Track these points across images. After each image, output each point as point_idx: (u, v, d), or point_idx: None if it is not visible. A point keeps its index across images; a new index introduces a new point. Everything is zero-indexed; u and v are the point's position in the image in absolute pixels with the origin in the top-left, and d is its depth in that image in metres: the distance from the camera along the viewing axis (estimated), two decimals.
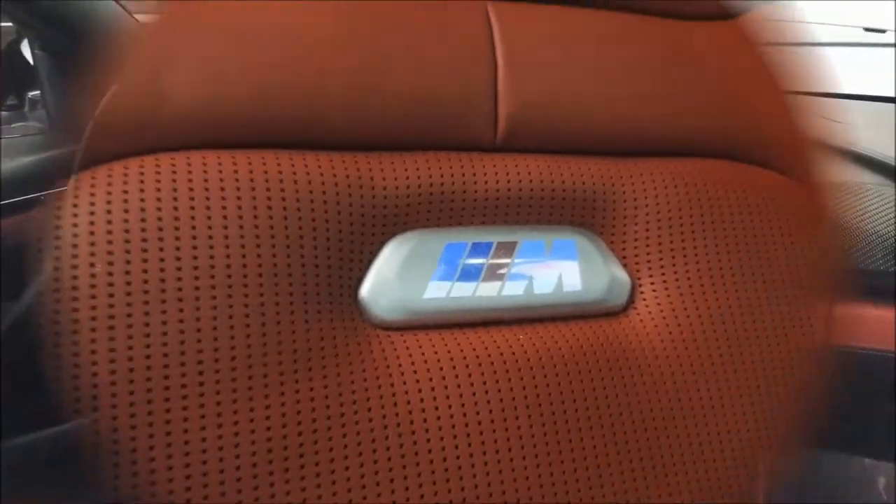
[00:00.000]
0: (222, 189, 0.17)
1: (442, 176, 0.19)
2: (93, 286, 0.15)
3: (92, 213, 0.16)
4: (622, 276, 0.21)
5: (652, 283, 0.21)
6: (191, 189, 0.17)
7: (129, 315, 0.16)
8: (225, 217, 0.17)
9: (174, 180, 0.17)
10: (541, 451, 0.19)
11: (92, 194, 0.16)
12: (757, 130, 0.23)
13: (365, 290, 0.19)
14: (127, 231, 0.16)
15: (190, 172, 0.17)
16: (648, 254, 0.21)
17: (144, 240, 0.16)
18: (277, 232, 0.17)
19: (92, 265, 0.15)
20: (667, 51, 0.23)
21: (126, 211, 0.16)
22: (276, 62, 0.18)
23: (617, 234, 0.21)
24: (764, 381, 0.22)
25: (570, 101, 0.21)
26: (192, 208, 0.16)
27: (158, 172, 0.17)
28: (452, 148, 0.20)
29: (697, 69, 0.23)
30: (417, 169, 0.19)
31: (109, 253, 0.16)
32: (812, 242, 0.23)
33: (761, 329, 0.22)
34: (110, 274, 0.16)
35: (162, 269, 0.16)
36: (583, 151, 0.21)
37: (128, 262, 0.16)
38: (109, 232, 0.16)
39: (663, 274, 0.21)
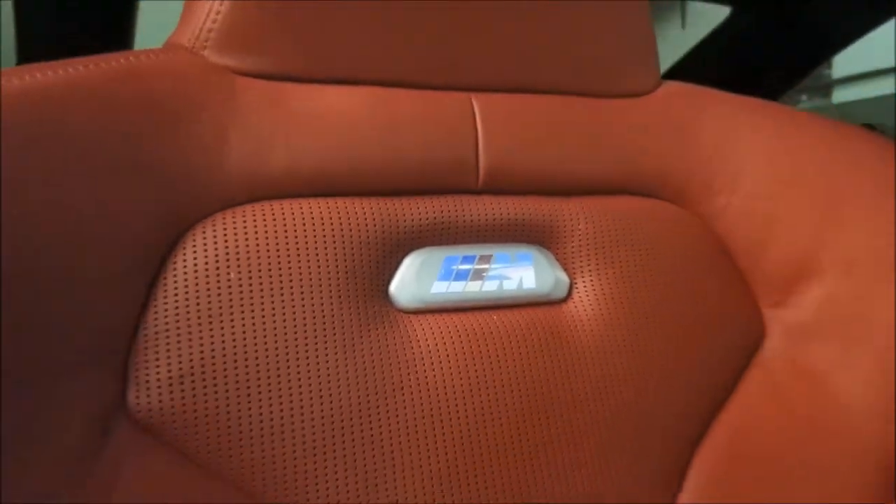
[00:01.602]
0: (311, 224, 0.27)
1: (443, 211, 0.30)
2: (224, 290, 0.26)
3: (225, 240, 0.26)
4: (563, 277, 0.32)
5: (583, 282, 0.32)
6: (285, 225, 0.27)
7: (240, 310, 0.26)
8: (310, 241, 0.27)
9: (275, 220, 0.27)
10: (510, 397, 0.29)
11: (224, 228, 0.26)
12: (662, 176, 0.34)
13: (393, 288, 0.29)
14: (248, 249, 0.26)
15: (284, 215, 0.27)
16: (581, 261, 0.32)
17: (258, 255, 0.26)
18: (341, 252, 0.27)
19: (228, 274, 0.26)
20: (599, 120, 0.33)
21: (247, 239, 0.26)
22: (336, 136, 0.28)
23: (560, 248, 0.32)
24: (682, 382, 0.33)
25: (530, 160, 0.31)
26: (288, 237, 0.27)
27: (264, 215, 0.27)
28: (449, 192, 0.30)
29: (620, 133, 0.33)
30: (427, 207, 0.30)
31: (238, 260, 0.26)
32: (701, 255, 0.34)
33: (675, 335, 0.33)
34: (239, 276, 0.26)
35: (270, 276, 0.26)
36: (538, 193, 0.32)
37: (249, 271, 0.26)
38: (236, 251, 0.26)
39: (591, 275, 0.32)
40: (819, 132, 0.35)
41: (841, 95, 2.78)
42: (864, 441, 0.32)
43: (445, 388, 0.28)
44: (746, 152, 0.34)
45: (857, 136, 0.35)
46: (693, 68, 1.21)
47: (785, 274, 0.34)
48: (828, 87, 2.77)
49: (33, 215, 0.21)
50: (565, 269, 0.32)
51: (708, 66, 1.20)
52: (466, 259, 0.30)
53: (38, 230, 0.22)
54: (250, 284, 0.26)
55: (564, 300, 0.32)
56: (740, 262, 0.34)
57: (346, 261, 0.27)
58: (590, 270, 0.32)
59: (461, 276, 0.30)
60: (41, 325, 0.21)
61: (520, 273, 0.31)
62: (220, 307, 0.25)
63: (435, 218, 0.30)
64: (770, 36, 1.13)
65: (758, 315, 0.34)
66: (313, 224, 0.27)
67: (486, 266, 0.31)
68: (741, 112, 0.35)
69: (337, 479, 0.25)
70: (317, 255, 0.27)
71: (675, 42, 1.20)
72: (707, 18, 1.14)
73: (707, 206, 0.34)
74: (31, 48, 0.74)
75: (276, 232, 0.26)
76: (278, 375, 0.25)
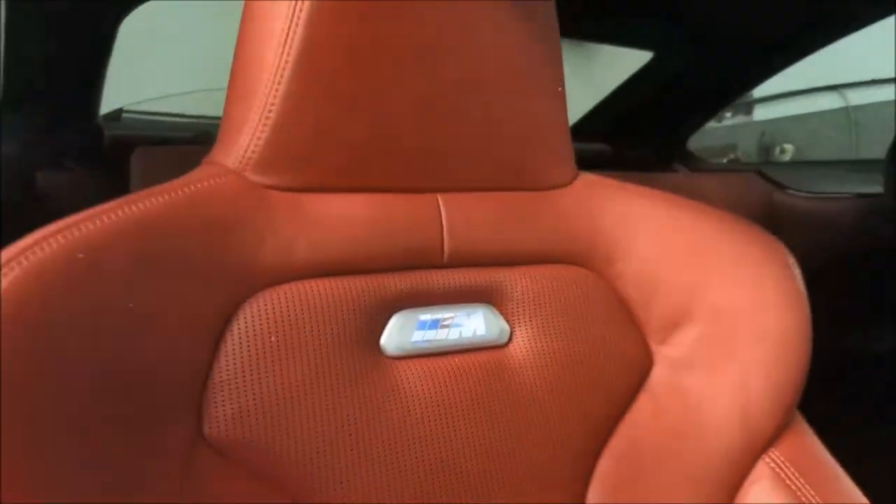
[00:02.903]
0: (324, 298, 0.38)
1: (418, 282, 0.41)
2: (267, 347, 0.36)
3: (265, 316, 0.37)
4: (506, 327, 0.44)
5: (520, 330, 0.44)
6: (306, 300, 0.38)
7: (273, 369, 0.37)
8: (324, 311, 0.38)
9: (299, 297, 0.38)
10: (469, 417, 0.41)
11: (264, 304, 0.37)
12: (578, 248, 0.47)
13: (383, 341, 0.40)
14: (281, 319, 0.37)
15: (305, 293, 0.38)
16: (518, 315, 0.44)
17: (288, 323, 0.37)
18: (346, 317, 0.38)
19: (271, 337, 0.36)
20: (532, 208, 0.45)
21: (280, 312, 0.37)
22: (340, 232, 0.39)
23: (503, 305, 0.44)
24: (589, 405, 0.44)
25: (481, 241, 0.43)
26: (309, 309, 0.38)
27: (291, 294, 0.38)
28: (422, 268, 0.42)
29: (548, 217, 0.46)
30: (406, 280, 0.41)
31: (276, 327, 0.37)
32: (605, 307, 0.47)
33: (584, 367, 0.45)
34: (276, 340, 0.37)
35: (297, 338, 0.37)
36: (487, 265, 0.44)
37: (286, 336, 0.37)
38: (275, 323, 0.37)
39: (526, 325, 0.44)
40: (692, 214, 0.48)
41: (760, 114, 3.03)
42: (723, 447, 0.45)
43: (423, 411, 0.40)
44: (637, 230, 0.47)
45: (720, 216, 0.48)
46: (620, 106, 1.36)
47: (667, 320, 0.47)
48: (749, 105, 3.01)
49: (148, 310, 0.32)
50: (507, 321, 0.44)
51: (632, 104, 1.36)
52: (436, 316, 0.42)
53: (150, 321, 0.32)
54: (285, 345, 0.37)
55: (506, 344, 0.44)
56: (634, 311, 0.47)
57: (349, 323, 0.39)
58: (525, 321, 0.44)
59: (432, 328, 0.42)
60: (154, 384, 0.32)
61: (474, 325, 0.43)
62: (265, 362, 0.36)
63: (412, 287, 0.41)
64: (689, 77, 1.30)
65: (647, 351, 0.47)
66: (326, 299, 0.38)
67: (449, 321, 0.42)
68: (635, 199, 0.48)
69: (354, 482, 0.37)
70: (329, 320, 0.38)
71: (602, 81, 1.35)
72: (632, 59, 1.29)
73: (609, 271, 0.47)
74: (20, 68, 0.81)
75: (299, 306, 0.38)
76: (308, 410, 0.36)
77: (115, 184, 0.89)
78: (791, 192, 1.09)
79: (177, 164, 0.72)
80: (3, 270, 0.29)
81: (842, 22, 1.10)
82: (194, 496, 0.32)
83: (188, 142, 0.86)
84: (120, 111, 1.17)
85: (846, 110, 2.95)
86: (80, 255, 0.31)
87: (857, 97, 2.91)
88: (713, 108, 1.40)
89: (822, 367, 0.55)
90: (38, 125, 0.83)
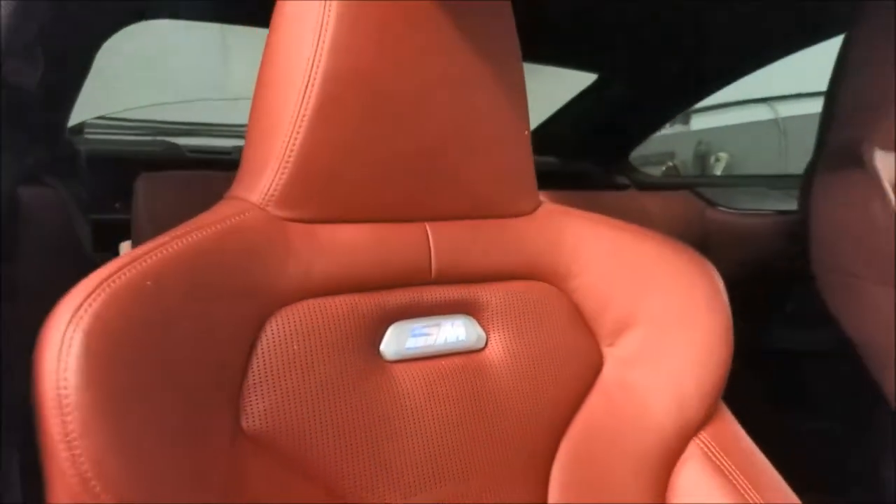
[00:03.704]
0: (334, 313, 0.46)
1: (410, 297, 0.50)
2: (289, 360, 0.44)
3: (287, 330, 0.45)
4: (483, 334, 0.53)
5: (494, 337, 0.53)
6: (321, 314, 0.46)
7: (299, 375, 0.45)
8: (335, 323, 0.46)
9: (315, 312, 0.46)
10: (453, 410, 0.50)
11: (288, 317, 0.45)
12: (541, 267, 0.56)
13: (382, 347, 0.48)
14: (302, 330, 0.45)
15: (319, 308, 0.46)
16: (493, 323, 0.53)
17: (308, 333, 0.45)
18: (352, 328, 0.47)
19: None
20: (504, 233, 0.54)
21: (301, 324, 0.45)
22: (347, 257, 0.48)
23: (480, 315, 0.53)
24: (552, 397, 0.53)
25: (462, 262, 0.52)
26: (323, 322, 0.46)
27: (309, 309, 0.46)
28: (413, 285, 0.50)
29: (517, 241, 0.55)
30: (401, 295, 0.49)
31: (298, 336, 0.45)
32: (564, 316, 0.56)
33: (548, 366, 0.54)
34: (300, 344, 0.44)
35: (315, 345, 0.45)
36: (467, 282, 0.53)
37: (306, 346, 0.45)
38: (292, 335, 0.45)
39: (499, 332, 0.53)
40: (635, 237, 0.58)
41: (697, 123, 3.22)
42: (662, 431, 0.55)
43: (416, 405, 0.48)
44: (590, 252, 0.57)
45: (657, 239, 0.58)
46: (567, 122, 1.48)
47: (615, 326, 0.57)
48: (687, 115, 3.20)
49: (198, 323, 0.40)
50: (483, 329, 0.53)
51: (580, 119, 1.47)
52: (425, 325, 0.51)
53: (200, 332, 0.40)
54: (306, 351, 0.45)
55: (483, 349, 0.53)
56: (588, 319, 0.57)
57: (356, 332, 0.47)
58: (498, 329, 0.53)
59: (423, 336, 0.50)
60: (202, 383, 0.40)
61: (456, 332, 0.52)
62: (290, 366, 0.44)
63: (406, 301, 0.50)
64: (631, 96, 1.42)
65: (599, 352, 0.57)
66: (337, 312, 0.47)
67: (436, 330, 0.51)
68: (588, 225, 0.58)
69: (363, 464, 0.45)
70: (340, 330, 0.46)
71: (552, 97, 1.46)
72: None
73: (567, 286, 0.57)
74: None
75: (316, 318, 0.46)
76: (326, 405, 0.44)
77: (91, 194, 0.94)
78: (721, 208, 1.22)
79: (179, 190, 0.78)
80: (95, 293, 0.36)
81: (777, 47, 1.23)
82: (237, 481, 0.40)
83: (176, 164, 0.91)
84: (83, 125, 1.21)
85: (776, 121, 3.16)
86: (148, 283, 0.38)
87: (787, 109, 3.12)
88: (654, 126, 1.53)
89: (744, 365, 0.66)
90: (16, 144, 0.87)
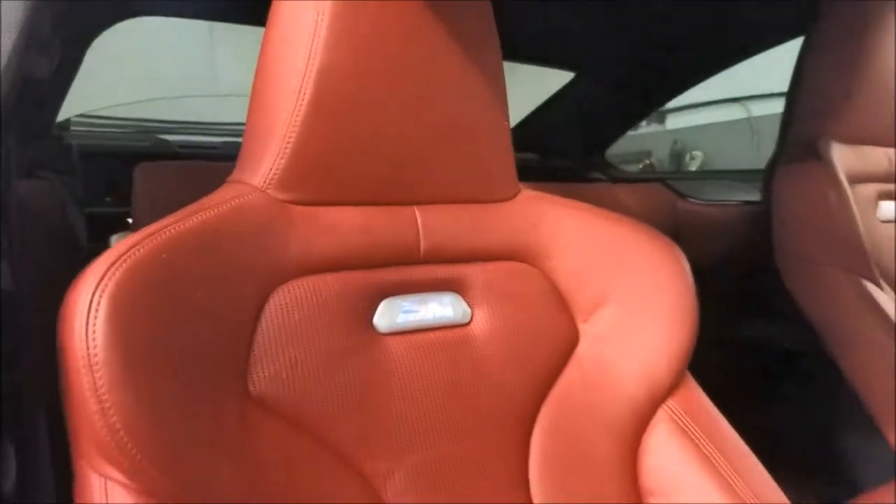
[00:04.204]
0: (331, 288, 0.50)
1: (401, 275, 0.54)
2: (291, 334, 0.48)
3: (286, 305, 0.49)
4: (468, 310, 0.57)
5: (479, 313, 0.58)
6: (318, 289, 0.50)
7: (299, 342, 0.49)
8: (332, 297, 0.50)
9: (313, 286, 0.50)
10: (441, 378, 0.54)
11: (289, 291, 0.49)
12: (522, 249, 0.61)
13: (375, 320, 0.53)
14: (301, 303, 0.49)
15: (318, 284, 0.50)
16: (478, 300, 0.58)
17: (307, 306, 0.49)
18: (348, 302, 0.51)
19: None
20: (488, 217, 0.59)
21: (300, 298, 0.49)
22: (342, 237, 0.52)
23: (466, 293, 0.58)
24: (532, 368, 0.58)
25: (449, 243, 0.57)
26: (320, 296, 0.50)
27: (308, 284, 0.50)
28: (404, 264, 0.55)
29: (499, 224, 0.60)
30: (392, 273, 0.54)
31: (298, 308, 0.49)
32: (543, 294, 0.61)
33: (528, 339, 0.59)
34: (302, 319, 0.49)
35: (313, 317, 0.49)
36: (454, 261, 0.57)
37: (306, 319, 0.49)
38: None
39: (483, 308, 0.58)
40: (609, 222, 0.63)
41: (672, 123, 3.31)
42: (632, 398, 0.60)
43: (407, 373, 0.53)
44: (567, 235, 0.62)
45: (629, 224, 0.64)
46: (545, 120, 1.53)
47: (590, 304, 0.62)
48: (662, 115, 3.28)
49: (209, 295, 0.44)
50: (469, 305, 0.58)
51: (558, 117, 1.53)
52: (415, 301, 0.55)
53: (211, 303, 0.44)
54: (306, 323, 0.49)
55: (468, 323, 0.57)
56: (565, 297, 0.62)
57: (351, 306, 0.51)
58: (482, 305, 0.58)
59: (412, 312, 0.55)
60: (213, 351, 0.44)
61: (444, 308, 0.56)
62: (292, 336, 0.48)
63: (397, 279, 0.54)
64: (607, 95, 1.48)
65: (575, 328, 0.62)
66: (334, 288, 0.51)
67: (425, 305, 0.56)
68: (565, 210, 0.63)
69: (361, 426, 0.49)
70: (337, 304, 0.51)
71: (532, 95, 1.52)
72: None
73: (546, 265, 0.62)
74: None
75: (316, 293, 0.50)
76: (325, 371, 0.49)
77: (85, 187, 0.97)
78: (690, 199, 1.29)
79: (177, 178, 0.82)
80: (117, 264, 0.40)
81: (746, 45, 1.30)
82: (247, 442, 0.44)
83: (166, 159, 0.95)
84: (69, 121, 1.23)
85: (748, 120, 3.25)
86: (164, 255, 0.42)
87: (758, 108, 3.21)
88: (629, 123, 1.60)
89: (712, 348, 0.72)
90: (10, 140, 0.90)
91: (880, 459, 0.92)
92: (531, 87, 1.52)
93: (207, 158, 1.11)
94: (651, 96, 1.53)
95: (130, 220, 0.90)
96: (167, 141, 1.12)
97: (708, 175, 1.98)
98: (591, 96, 1.47)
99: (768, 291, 1.05)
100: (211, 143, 1.16)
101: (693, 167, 2.98)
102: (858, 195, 0.97)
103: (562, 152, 1.55)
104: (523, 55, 1.31)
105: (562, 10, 1.15)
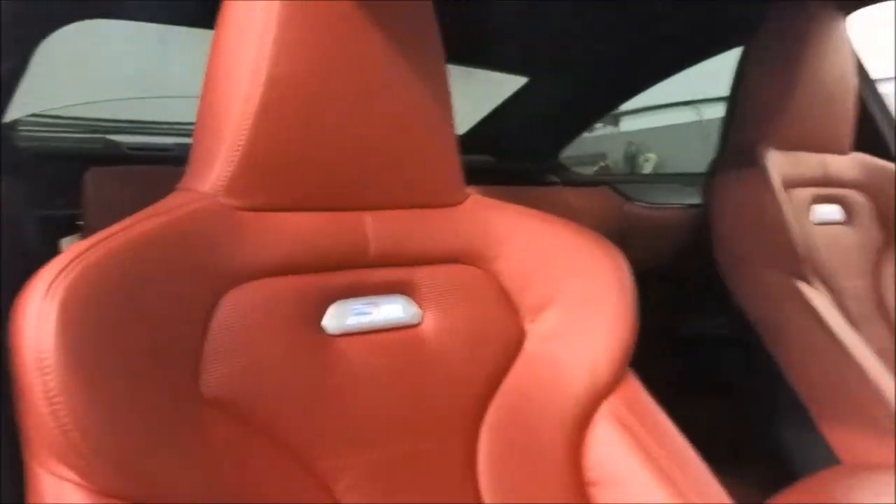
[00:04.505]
0: (282, 291, 0.52)
1: (351, 278, 0.56)
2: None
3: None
4: (418, 311, 0.59)
5: (428, 314, 0.59)
6: (270, 292, 0.51)
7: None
8: (282, 300, 0.52)
9: (264, 290, 0.51)
10: (391, 377, 0.56)
11: (241, 294, 0.50)
12: (470, 252, 0.63)
13: (325, 322, 0.54)
14: (253, 305, 0.51)
15: (268, 287, 0.51)
16: (427, 302, 0.59)
17: (258, 308, 0.51)
18: (299, 304, 0.53)
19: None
20: (436, 221, 0.61)
21: (252, 300, 0.51)
22: (292, 242, 0.53)
23: (416, 295, 0.59)
24: (481, 367, 0.60)
25: (397, 246, 0.59)
26: (272, 299, 0.51)
27: (259, 287, 0.51)
28: (354, 267, 0.57)
29: (448, 228, 0.62)
30: (342, 277, 0.55)
31: (250, 310, 0.50)
32: (491, 295, 0.64)
33: (477, 339, 0.62)
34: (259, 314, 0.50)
35: (265, 319, 0.51)
36: (403, 265, 0.59)
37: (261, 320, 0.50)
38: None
39: (432, 310, 0.60)
40: (553, 227, 0.66)
41: (627, 125, 3.38)
42: (576, 394, 0.63)
43: (358, 374, 0.54)
44: (513, 239, 0.64)
45: (573, 228, 0.66)
46: (500, 123, 1.56)
47: (535, 305, 0.64)
48: (617, 118, 3.36)
49: (161, 298, 0.45)
50: (419, 307, 0.60)
51: (512, 120, 1.56)
52: (365, 304, 0.57)
53: (163, 306, 0.45)
54: (256, 325, 0.50)
55: (418, 325, 0.60)
56: (511, 298, 0.64)
57: (301, 308, 0.53)
58: (432, 307, 0.60)
59: (363, 314, 0.57)
60: (167, 353, 0.45)
61: (394, 310, 0.58)
62: (242, 338, 0.49)
63: (347, 282, 0.56)
64: (560, 100, 1.52)
65: (521, 328, 0.64)
66: (284, 291, 0.52)
67: (375, 307, 0.58)
68: (512, 215, 0.65)
69: (312, 425, 0.51)
70: (287, 306, 0.52)
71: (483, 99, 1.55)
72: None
73: (493, 268, 0.64)
74: None
75: (265, 297, 0.51)
76: (275, 371, 0.50)
77: (34, 190, 0.96)
78: (637, 203, 1.33)
79: (127, 183, 0.82)
80: (67, 269, 0.41)
81: (696, 50, 1.34)
82: (200, 441, 0.46)
83: (117, 161, 0.94)
84: (16, 122, 1.21)
85: (700, 123, 3.34)
86: (114, 261, 0.44)
87: (710, 112, 3.30)
88: (582, 127, 1.64)
89: (657, 342, 0.75)
90: None
91: (814, 448, 0.97)
92: (493, 88, 1.54)
93: (159, 160, 1.10)
94: (604, 100, 1.57)
95: (81, 223, 0.89)
96: (118, 142, 1.11)
97: (659, 178, 2.04)
98: (544, 100, 1.50)
99: (710, 289, 1.10)
100: (163, 144, 1.15)
101: (647, 169, 3.05)
102: (794, 199, 1.02)
103: (516, 155, 1.58)
104: (476, 60, 1.33)
105: (513, 15, 1.17)
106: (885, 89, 1.41)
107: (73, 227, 0.99)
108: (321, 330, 0.54)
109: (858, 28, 1.29)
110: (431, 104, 0.60)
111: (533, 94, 1.47)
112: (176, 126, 1.29)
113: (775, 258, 0.91)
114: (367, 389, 0.55)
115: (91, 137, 1.14)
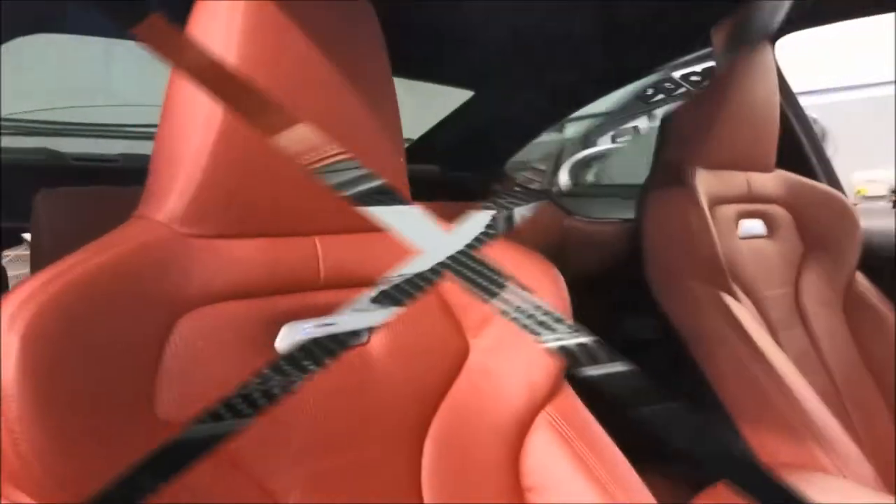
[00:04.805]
0: (233, 315, 0.54)
1: (301, 301, 0.59)
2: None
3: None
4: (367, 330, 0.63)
5: (376, 333, 0.64)
6: (221, 317, 0.54)
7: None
8: (233, 324, 0.54)
9: (216, 314, 0.54)
10: (341, 391, 0.59)
11: (193, 319, 0.53)
12: None
13: (277, 343, 0.57)
14: (204, 330, 0.53)
15: (221, 312, 0.54)
16: (374, 322, 0.64)
17: (210, 333, 0.53)
18: (250, 327, 0.55)
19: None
20: (383, 244, 0.65)
21: (203, 325, 0.53)
22: (243, 268, 0.56)
23: None
24: (426, 381, 0.65)
25: (346, 270, 0.62)
26: (223, 323, 0.54)
27: (210, 312, 0.54)
28: (304, 290, 0.60)
29: (393, 249, 0.66)
30: (292, 300, 0.58)
31: (201, 335, 0.53)
32: (437, 313, 0.67)
33: (422, 355, 0.65)
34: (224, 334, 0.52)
35: (216, 343, 0.53)
36: (351, 286, 0.63)
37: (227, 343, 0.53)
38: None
39: (380, 329, 0.64)
40: (495, 246, 0.70)
41: (570, 131, 3.47)
42: (515, 406, 0.67)
43: (308, 391, 0.58)
44: None
45: (511, 247, 0.71)
46: (446, 134, 1.60)
47: (478, 320, 0.69)
48: (562, 124, 3.44)
49: (116, 327, 0.47)
50: (368, 327, 0.63)
51: (459, 131, 1.60)
52: (315, 325, 0.60)
53: (118, 335, 0.47)
54: (209, 348, 0.53)
55: (366, 342, 0.63)
56: (456, 314, 0.68)
57: (253, 331, 0.56)
58: (379, 326, 0.64)
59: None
60: (121, 379, 0.47)
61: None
62: (195, 360, 0.52)
63: (298, 305, 0.59)
64: (505, 112, 1.57)
65: (465, 342, 0.68)
66: (236, 315, 0.55)
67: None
68: None
69: (262, 441, 0.54)
70: (239, 329, 0.55)
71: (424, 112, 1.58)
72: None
73: (438, 286, 0.68)
74: None
75: (218, 320, 0.54)
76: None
77: None
78: (576, 217, 1.39)
79: (78, 206, 0.83)
80: (26, 303, 0.43)
81: (644, 64, 1.40)
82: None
83: (61, 172, 0.94)
84: None
85: (639, 134, 3.44)
86: (72, 294, 0.46)
87: (650, 122, 3.40)
88: (527, 139, 1.69)
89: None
90: None
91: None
92: (443, 98, 1.58)
93: (106, 171, 1.10)
94: (550, 112, 1.63)
95: (26, 238, 0.89)
96: (62, 153, 1.11)
97: (599, 191, 2.12)
98: (489, 113, 1.55)
99: (642, 299, 1.17)
100: (109, 155, 1.15)
101: (589, 177, 3.15)
102: (720, 216, 1.09)
103: (462, 165, 1.63)
104: (421, 73, 1.37)
105: (457, 30, 1.21)
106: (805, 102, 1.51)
107: (16, 239, 0.98)
108: (273, 351, 0.57)
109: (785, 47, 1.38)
110: (381, 128, 0.63)
111: (478, 106, 1.52)
112: (120, 129, 1.28)
113: (701, 273, 0.97)
114: (315, 405, 0.58)
115: (35, 148, 1.13)
